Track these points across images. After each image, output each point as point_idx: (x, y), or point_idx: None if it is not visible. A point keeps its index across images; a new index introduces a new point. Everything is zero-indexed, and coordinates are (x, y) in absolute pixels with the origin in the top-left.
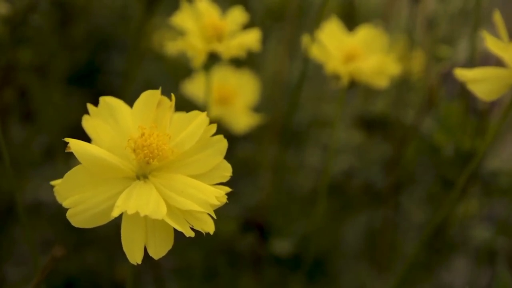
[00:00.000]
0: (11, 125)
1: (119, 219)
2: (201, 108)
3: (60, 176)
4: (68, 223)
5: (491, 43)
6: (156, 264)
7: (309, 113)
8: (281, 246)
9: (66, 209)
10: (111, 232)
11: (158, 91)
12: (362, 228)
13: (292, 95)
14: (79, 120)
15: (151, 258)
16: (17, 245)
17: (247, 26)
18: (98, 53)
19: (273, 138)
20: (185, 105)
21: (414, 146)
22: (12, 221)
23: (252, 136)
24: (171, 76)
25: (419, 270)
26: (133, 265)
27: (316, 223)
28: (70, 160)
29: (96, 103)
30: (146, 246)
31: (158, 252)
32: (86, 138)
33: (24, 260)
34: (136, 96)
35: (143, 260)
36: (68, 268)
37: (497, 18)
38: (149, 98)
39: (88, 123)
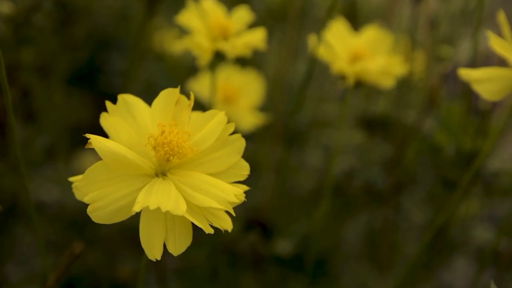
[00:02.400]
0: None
1: (123, 220)
2: (206, 107)
3: (60, 176)
4: (68, 223)
5: (496, 43)
6: (159, 264)
7: (310, 113)
8: (283, 246)
9: (66, 209)
10: (112, 232)
11: (177, 90)
12: (362, 228)
13: (297, 95)
14: (80, 120)
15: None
16: (18, 245)
17: (249, 27)
18: (99, 53)
19: (275, 138)
20: None
21: (415, 146)
22: (13, 221)
23: (254, 136)
24: (171, 76)
25: (420, 270)
26: (144, 264)
27: (317, 223)
28: (70, 161)
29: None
30: (166, 243)
31: (178, 248)
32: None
33: (26, 260)
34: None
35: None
36: (69, 268)
37: (502, 18)
38: (169, 96)
39: (106, 121)
